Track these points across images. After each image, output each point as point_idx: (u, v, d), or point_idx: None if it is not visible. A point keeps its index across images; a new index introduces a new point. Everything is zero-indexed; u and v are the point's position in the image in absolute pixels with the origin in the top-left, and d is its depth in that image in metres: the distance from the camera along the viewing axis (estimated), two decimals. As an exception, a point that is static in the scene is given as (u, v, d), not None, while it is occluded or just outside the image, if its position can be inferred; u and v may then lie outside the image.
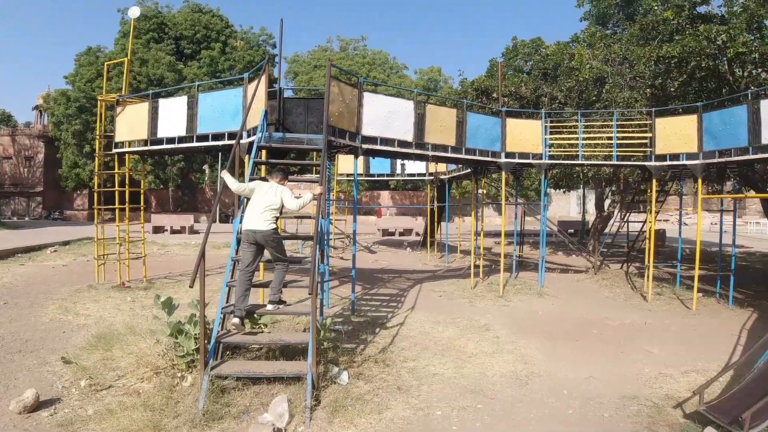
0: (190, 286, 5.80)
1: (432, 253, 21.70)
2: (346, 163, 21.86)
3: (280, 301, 6.89)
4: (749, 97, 10.83)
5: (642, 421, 5.76)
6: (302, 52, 58.22)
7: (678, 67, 13.54)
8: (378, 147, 10.64)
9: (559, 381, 6.94)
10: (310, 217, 11.02)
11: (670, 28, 14.19)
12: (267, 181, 6.96)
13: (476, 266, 14.80)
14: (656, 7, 15.26)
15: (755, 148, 10.55)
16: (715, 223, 15.18)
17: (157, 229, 30.48)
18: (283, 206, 6.67)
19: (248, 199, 6.78)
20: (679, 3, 14.35)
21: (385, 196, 52.89)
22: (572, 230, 30.47)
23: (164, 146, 11.89)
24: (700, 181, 12.20)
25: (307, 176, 16.24)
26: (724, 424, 5.23)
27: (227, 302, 6.68)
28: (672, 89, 14.44)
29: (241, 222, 6.81)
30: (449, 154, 12.08)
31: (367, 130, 10.30)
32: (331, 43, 59.71)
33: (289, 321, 8.93)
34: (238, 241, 6.98)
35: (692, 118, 12.12)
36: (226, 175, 6.98)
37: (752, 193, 14.88)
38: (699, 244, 12.31)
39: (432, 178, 21.92)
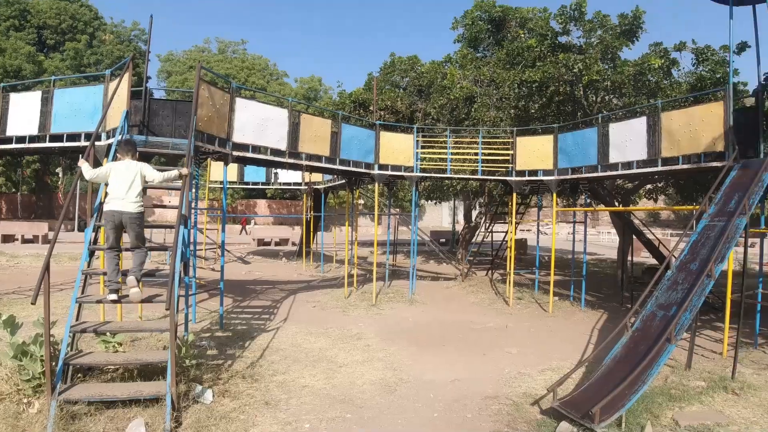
0: (32, 302, 5.23)
1: (308, 264, 21.53)
2: (219, 170, 21.10)
3: (139, 280, 6.42)
4: (600, 121, 12.03)
5: (502, 419, 6.07)
6: (178, 52, 55.49)
7: (539, 91, 14.73)
8: (249, 155, 10.35)
9: (426, 385, 7.14)
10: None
11: (533, 54, 15.37)
12: (121, 160, 6.51)
13: (351, 276, 14.90)
14: (522, 35, 16.48)
15: (603, 167, 11.76)
16: (571, 233, 16.76)
17: (6, 238, 27.39)
18: (145, 181, 6.43)
19: (107, 185, 6.32)
20: (542, 33, 15.64)
21: (261, 205, 51.76)
22: (444, 240, 31.85)
23: (13, 146, 10.64)
24: (555, 195, 13.32)
25: (177, 183, 15.41)
26: (576, 419, 5.65)
27: (77, 320, 6.09)
28: (533, 111, 15.64)
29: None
30: (323, 164, 12.07)
31: (238, 137, 9.98)
32: (210, 44, 57.61)
33: (151, 338, 8.37)
34: (91, 253, 6.42)
35: (549, 138, 13.22)
36: (84, 165, 6.40)
37: (602, 206, 16.46)
38: (554, 252, 13.38)
39: (307, 187, 21.78)
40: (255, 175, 22.17)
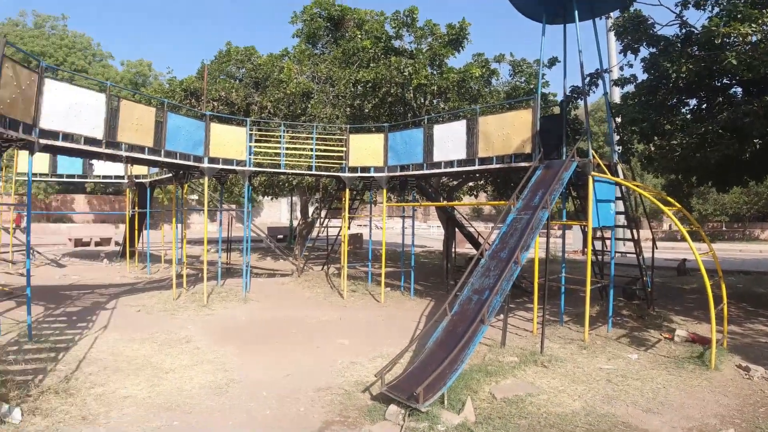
0: None
1: (132, 265, 19.94)
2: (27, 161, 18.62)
3: None
4: (426, 122, 12.84)
5: (334, 409, 6.24)
6: (-13, 22, 47.75)
7: (372, 91, 15.28)
8: (60, 143, 9.29)
9: (259, 383, 7.08)
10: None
11: (368, 55, 15.90)
12: None
13: (179, 276, 14.16)
14: (359, 36, 16.92)
15: (429, 165, 12.62)
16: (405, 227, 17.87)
17: None
18: None
19: None
20: (377, 35, 16.23)
21: (80, 201, 46.76)
22: (282, 236, 31.58)
23: None
24: (385, 191, 13.97)
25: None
26: (403, 401, 5.99)
27: None
28: (367, 110, 16.16)
29: None
30: (146, 156, 11.16)
31: (46, 123, 8.91)
32: (25, 18, 50.32)
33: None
34: None
35: (380, 137, 13.80)
36: None
37: (427, 201, 17.55)
38: (384, 245, 14.04)
39: (129, 181, 20.06)
40: (70, 167, 19.88)
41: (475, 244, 17.55)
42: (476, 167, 11.68)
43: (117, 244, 27.49)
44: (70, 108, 9.38)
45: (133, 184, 20.00)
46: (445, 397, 6.18)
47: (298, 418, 6.02)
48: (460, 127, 11.96)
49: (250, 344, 9.09)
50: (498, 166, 11.29)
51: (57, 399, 6.16)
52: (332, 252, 18.72)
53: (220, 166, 12.87)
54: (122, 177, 20.55)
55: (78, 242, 28.38)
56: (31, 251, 18.72)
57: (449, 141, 12.07)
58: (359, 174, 14.04)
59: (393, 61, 14.63)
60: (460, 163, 11.91)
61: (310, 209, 24.71)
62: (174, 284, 13.46)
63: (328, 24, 19.89)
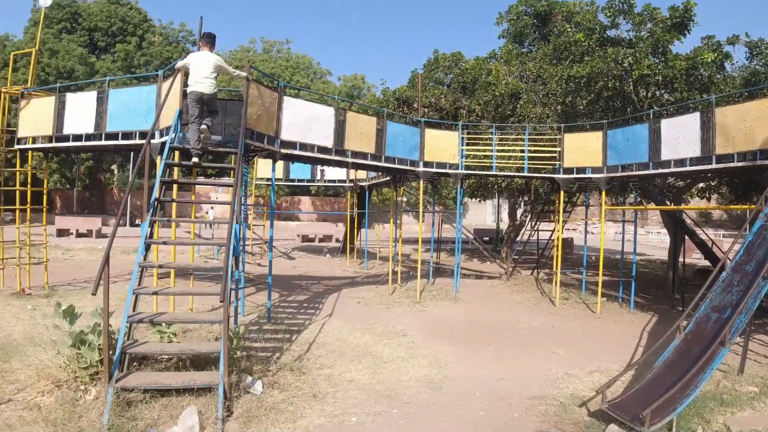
0: (92, 293, 5.46)
1: (351, 260, 21.70)
2: (265, 167, 21.50)
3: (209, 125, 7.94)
4: (651, 117, 11.67)
5: (549, 420, 6.01)
6: (224, 52, 56.76)
7: (587, 87, 14.38)
8: (297, 152, 10.51)
9: (472, 383, 7.12)
10: (225, 222, 10.67)
11: (581, 49, 15.03)
12: (200, 51, 8.14)
13: (394, 273, 14.94)
14: (569, 29, 16.15)
15: (655, 164, 11.38)
16: (619, 233, 16.36)
17: (62, 232, 28.51)
18: (218, 71, 8.07)
19: (188, 73, 7.95)
20: (590, 26, 15.28)
21: (305, 202, 52.42)
22: (487, 238, 31.52)
23: (70, 143, 11.14)
24: (603, 193, 12.99)
25: (224, 179, 15.80)
26: (626, 421, 5.54)
27: (134, 311, 6.34)
28: (581, 107, 15.30)
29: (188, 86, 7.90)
30: (369, 162, 12.16)
31: (286, 135, 10.15)
32: (255, 44, 58.68)
33: (202, 330, 8.61)
34: (147, 246, 6.67)
35: (598, 135, 12.90)
36: (178, 63, 8.10)
37: (652, 205, 16.00)
38: (602, 251, 13.09)
39: (352, 184, 21.95)
40: (300, 172, 22.50)
41: (708, 255, 15.55)
42: (713, 166, 10.20)
43: (337, 240, 30.14)
44: (304, 121, 10.55)
45: (356, 188, 21.81)
46: (673, 423, 5.57)
47: (512, 423, 5.94)
48: (691, 120, 10.59)
49: (462, 343, 9.22)
50: (740, 164, 9.72)
51: (291, 376, 6.86)
52: (542, 256, 18.14)
53: (435, 170, 13.37)
54: (344, 181, 22.56)
55: (304, 238, 31.79)
56: (266, 245, 21.49)
57: (679, 137, 10.78)
58: (575, 175, 13.34)
59: (610, 53, 13.58)
60: (693, 161, 10.54)
61: (518, 212, 24.26)
62: (390, 280, 14.28)
63: (535, 21, 19.34)
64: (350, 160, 11.63)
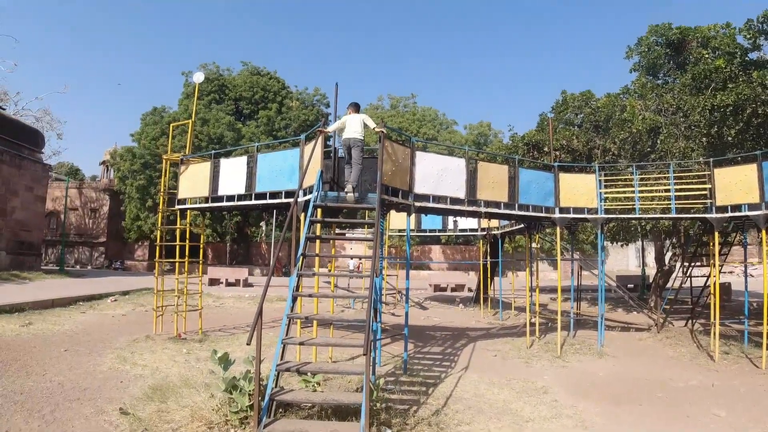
0: (247, 343, 5.86)
1: (485, 310, 21.22)
2: (397, 219, 21.99)
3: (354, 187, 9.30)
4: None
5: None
6: (354, 111, 60.10)
7: (734, 115, 13.28)
8: (430, 204, 10.70)
9: (624, 448, 6.55)
10: (361, 276, 11.03)
11: (722, 76, 14.02)
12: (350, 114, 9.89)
13: (532, 324, 14.37)
14: (707, 56, 15.11)
15: (826, 197, 10.02)
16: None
17: (213, 282, 31.13)
18: (365, 125, 9.71)
19: (341, 131, 9.81)
20: (730, 51, 14.22)
21: (436, 251, 52.65)
22: (632, 285, 29.35)
23: (224, 203, 12.35)
24: (764, 231, 11.58)
25: (358, 232, 16.42)
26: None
27: (282, 359, 6.69)
28: (729, 137, 14.06)
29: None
30: (502, 210, 12.00)
31: (419, 188, 10.38)
32: (382, 101, 61.47)
33: (341, 379, 8.83)
34: (294, 299, 7.05)
35: (752, 167, 11.64)
36: (328, 128, 9.91)
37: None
38: (767, 297, 11.53)
39: (485, 233, 21.71)
40: (432, 222, 22.74)
41: None
42: None
43: (469, 290, 29.72)
44: (436, 173, 10.74)
45: (489, 236, 21.56)
46: None
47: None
48: None
49: (610, 403, 8.54)
50: None
51: (429, 431, 6.73)
52: (696, 305, 16.45)
53: (572, 216, 12.86)
54: (475, 230, 22.41)
55: (436, 288, 31.71)
56: (401, 294, 21.68)
57: None
58: (729, 214, 12.11)
59: (755, 76, 12.46)
60: None
61: (666, 256, 22.41)
62: (528, 332, 13.72)
63: (668, 50, 18.31)
64: (483, 209, 11.57)
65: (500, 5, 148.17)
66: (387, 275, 23.76)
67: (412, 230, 22.88)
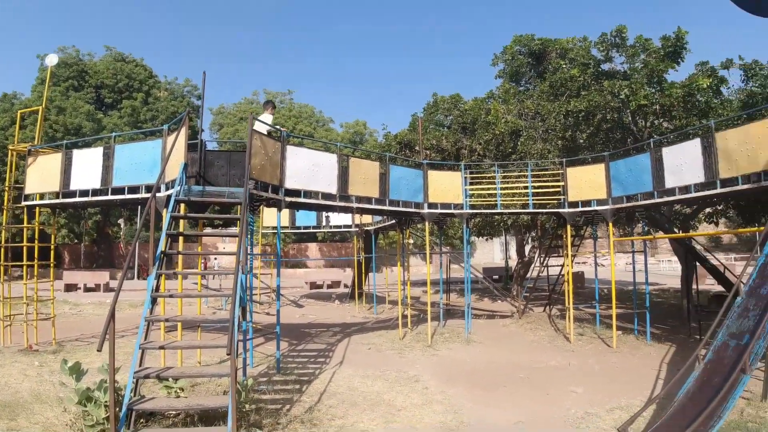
0: (98, 349, 5.38)
1: (360, 305, 21.49)
2: (270, 216, 21.57)
3: None
4: (652, 146, 11.71)
5: (571, 463, 5.80)
6: (228, 104, 57.99)
7: (585, 120, 14.53)
8: (301, 200, 10.53)
9: (489, 428, 6.91)
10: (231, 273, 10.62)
11: (577, 84, 15.28)
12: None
13: (404, 316, 14.76)
14: (564, 66, 16.44)
15: (659, 192, 11.39)
16: (630, 264, 16.14)
17: (70, 287, 28.46)
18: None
19: None
20: (584, 62, 15.58)
21: (312, 248, 52.38)
22: (497, 276, 31.26)
23: (77, 199, 11.23)
24: (611, 225, 12.90)
25: (231, 230, 15.84)
26: (650, 459, 5.33)
27: (141, 366, 6.23)
28: (581, 140, 15.41)
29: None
30: (374, 206, 12.17)
31: (290, 183, 10.18)
32: (258, 96, 59.77)
33: (211, 383, 8.46)
34: (153, 300, 6.62)
35: (600, 167, 12.94)
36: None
37: (660, 233, 15.85)
38: (614, 284, 12.86)
39: (358, 229, 21.93)
40: (306, 219, 22.56)
41: (722, 280, 15.31)
42: (718, 190, 10.14)
43: (346, 286, 29.94)
44: (308, 168, 10.60)
45: (362, 232, 21.78)
46: (703, 458, 5.35)
47: (532, 468, 5.72)
48: (693, 147, 10.61)
49: (478, 387, 8.99)
50: (745, 187, 9.65)
51: (303, 428, 6.67)
52: (553, 292, 17.90)
53: (439, 211, 13.36)
54: (350, 226, 22.55)
55: (313, 285, 31.61)
56: (274, 293, 21.35)
57: (682, 163, 10.79)
58: (580, 209, 13.32)
59: (606, 86, 13.80)
60: (698, 187, 10.50)
61: (526, 248, 24.11)
62: (400, 324, 14.06)
63: (530, 60, 19.70)
64: (355, 205, 11.64)
65: (377, 4, 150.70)
66: (261, 274, 23.23)
67: (287, 227, 22.56)
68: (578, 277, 26.56)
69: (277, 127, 9.34)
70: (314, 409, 7.54)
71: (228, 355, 5.68)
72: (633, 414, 6.53)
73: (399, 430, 6.84)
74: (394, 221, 16.70)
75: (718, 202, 16.01)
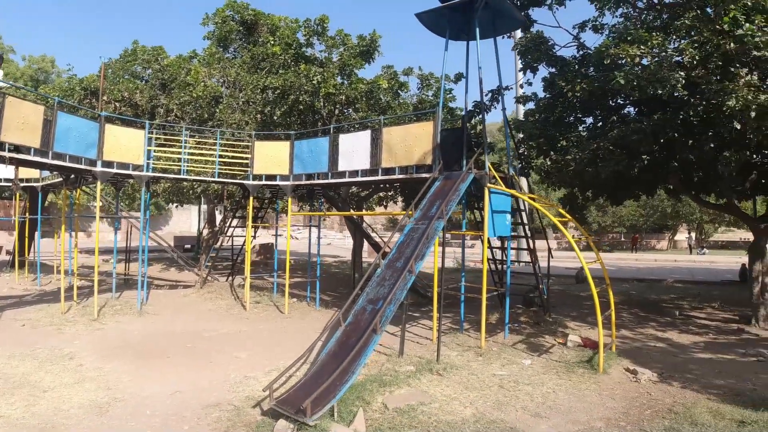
0: None
1: (23, 276, 18.51)
2: None
3: None
4: (331, 131, 12.81)
5: (221, 426, 5.98)
6: None
7: (282, 98, 15.01)
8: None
9: (144, 401, 6.70)
10: None
11: (278, 62, 15.65)
12: None
13: (72, 289, 13.28)
14: (271, 42, 16.65)
15: (334, 174, 12.64)
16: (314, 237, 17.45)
17: None
18: None
19: None
20: (288, 42, 16.05)
21: (-35, 206, 42.98)
22: (189, 245, 30.39)
23: None
24: (290, 199, 13.77)
25: None
26: (291, 415, 5.81)
27: None
28: (277, 117, 15.88)
29: None
30: (32, 157, 10.33)
31: None
32: None
33: None
34: None
35: (286, 145, 13.66)
36: None
37: (334, 210, 17.48)
38: (288, 254, 13.55)
39: (12, 184, 18.32)
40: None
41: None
42: (379, 177, 11.78)
43: (8, 253, 25.42)
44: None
45: (18, 188, 18.30)
46: (335, 409, 6.08)
47: (181, 436, 5.73)
48: (365, 137, 12.03)
49: (140, 360, 8.61)
50: (400, 176, 11.45)
51: None
52: (238, 262, 18.12)
53: (115, 170, 12.05)
54: (11, 180, 18.84)
55: (-41, 252, 26.05)
56: None
57: (354, 151, 12.11)
58: (264, 182, 13.78)
59: (303, 69, 14.50)
60: (365, 173, 11.97)
61: (218, 218, 23.95)
62: (62, 297, 12.50)
63: (241, 28, 19.46)
64: (7, 154, 9.81)
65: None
66: None
67: None
68: (269, 248, 27.55)
69: None
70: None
71: None
72: (280, 373, 7.01)
73: (41, 413, 6.19)
74: (62, 178, 14.68)
75: (388, 188, 18.36)
